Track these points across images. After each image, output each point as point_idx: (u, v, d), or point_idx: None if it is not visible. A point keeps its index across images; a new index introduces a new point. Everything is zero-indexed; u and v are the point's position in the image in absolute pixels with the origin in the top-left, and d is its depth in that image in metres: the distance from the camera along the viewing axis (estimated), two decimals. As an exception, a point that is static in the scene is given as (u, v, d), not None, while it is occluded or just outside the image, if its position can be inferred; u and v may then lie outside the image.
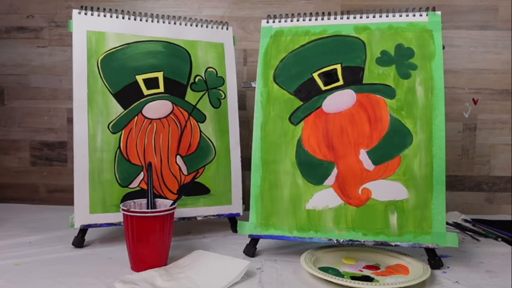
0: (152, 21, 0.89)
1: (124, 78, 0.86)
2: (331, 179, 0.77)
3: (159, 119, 0.88)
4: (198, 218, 0.89)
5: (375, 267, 0.73)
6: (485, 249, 0.85)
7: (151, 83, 0.87)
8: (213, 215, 0.91)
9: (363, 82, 0.79)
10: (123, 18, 0.87)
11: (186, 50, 0.92)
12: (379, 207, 0.75)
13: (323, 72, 0.81)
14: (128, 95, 0.85)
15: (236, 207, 0.94)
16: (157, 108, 0.87)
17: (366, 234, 0.74)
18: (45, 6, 1.19)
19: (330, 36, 0.82)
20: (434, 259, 0.73)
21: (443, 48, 0.77)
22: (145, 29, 0.88)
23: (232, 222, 0.95)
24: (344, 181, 0.77)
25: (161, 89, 0.88)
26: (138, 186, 0.85)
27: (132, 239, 0.70)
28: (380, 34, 0.80)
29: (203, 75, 0.93)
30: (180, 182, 0.89)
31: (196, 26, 0.93)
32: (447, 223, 0.98)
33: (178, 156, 0.89)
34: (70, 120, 1.20)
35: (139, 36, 0.88)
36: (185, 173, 0.90)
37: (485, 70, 1.16)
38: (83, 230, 0.83)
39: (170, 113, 0.89)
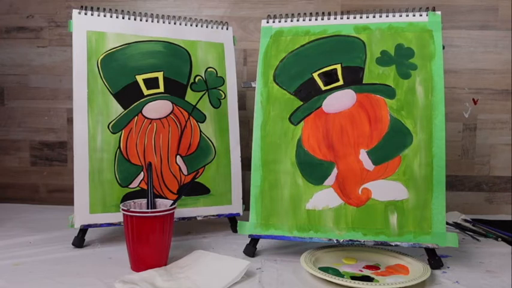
0: (152, 21, 0.89)
1: (124, 78, 0.86)
2: (331, 179, 0.77)
3: (159, 119, 0.88)
4: (198, 218, 0.89)
5: (375, 267, 0.73)
6: (485, 249, 0.85)
7: (151, 83, 0.87)
8: (213, 215, 0.91)
9: (363, 82, 0.79)
10: (123, 18, 0.87)
11: (186, 50, 0.92)
12: (379, 207, 0.75)
13: (323, 72, 0.81)
14: (128, 95, 0.85)
15: (236, 207, 0.94)
16: (157, 108, 0.87)
17: (366, 234, 0.74)
18: (45, 6, 1.19)
19: (330, 36, 0.82)
20: (434, 259, 0.73)
21: (443, 48, 0.77)
22: (145, 29, 0.88)
23: (232, 222, 0.95)
24: (344, 181, 0.77)
25: (161, 89, 0.88)
26: (138, 186, 0.85)
27: (132, 239, 0.70)
28: (380, 34, 0.80)
29: (203, 75, 0.93)
30: (180, 182, 0.89)
31: (196, 26, 0.93)
32: (447, 223, 0.98)
33: (178, 156, 0.89)
34: (70, 120, 1.20)
35: (139, 36, 0.88)
36: (185, 173, 0.90)
37: (485, 70, 1.16)
38: (83, 230, 0.83)
39: (170, 113, 0.89)
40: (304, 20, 0.84)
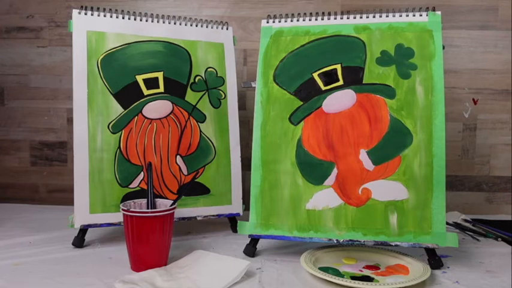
0: (152, 21, 0.89)
1: (124, 78, 0.86)
2: (331, 179, 0.77)
3: (159, 119, 0.88)
4: (198, 218, 0.89)
5: (375, 267, 0.73)
6: (485, 249, 0.85)
7: (151, 83, 0.87)
8: (213, 215, 0.91)
9: (363, 82, 0.79)
10: (123, 18, 0.87)
11: (186, 50, 0.92)
12: (379, 207, 0.75)
13: (323, 72, 0.81)
14: (128, 95, 0.85)
15: (236, 207, 0.94)
16: (158, 108, 0.87)
17: (366, 234, 0.74)
18: (45, 6, 1.19)
19: (330, 36, 0.82)
20: (434, 259, 0.73)
21: (443, 48, 0.77)
22: (145, 29, 0.88)
23: (232, 222, 0.95)
24: (344, 181, 0.77)
25: (161, 89, 0.88)
26: (138, 186, 0.85)
27: (132, 239, 0.70)
28: (380, 34, 0.80)
29: (203, 75, 0.93)
30: (180, 182, 0.89)
31: (196, 26, 0.93)
32: (447, 223, 0.98)
33: (178, 156, 0.89)
34: (70, 120, 1.20)
35: (139, 36, 0.88)
36: (185, 173, 0.90)
37: (485, 70, 1.16)
38: (83, 230, 0.83)
39: (170, 113, 0.89)
40: (304, 20, 0.84)
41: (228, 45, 0.96)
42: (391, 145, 0.76)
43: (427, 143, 0.74)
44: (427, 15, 0.78)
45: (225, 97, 0.95)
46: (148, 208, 0.77)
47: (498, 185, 1.18)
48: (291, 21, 0.84)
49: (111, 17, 0.86)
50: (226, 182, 0.93)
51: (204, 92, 0.93)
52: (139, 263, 0.70)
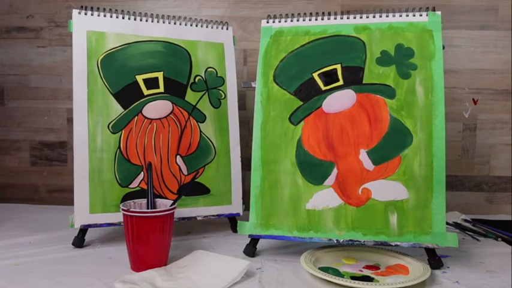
0: (152, 21, 0.89)
1: (124, 78, 0.86)
2: (331, 179, 0.77)
3: (159, 119, 0.88)
4: (198, 218, 0.89)
5: (375, 267, 0.73)
6: (485, 249, 0.85)
7: (151, 83, 0.87)
8: (213, 215, 0.91)
9: (363, 82, 0.79)
10: (123, 18, 0.87)
11: (186, 50, 0.92)
12: (379, 207, 0.75)
13: (323, 72, 0.81)
14: (128, 95, 0.85)
15: (236, 207, 0.94)
16: (158, 108, 0.87)
17: (366, 234, 0.74)
18: (45, 6, 1.19)
19: (330, 36, 0.82)
20: (434, 259, 0.73)
21: (443, 48, 0.77)
22: (145, 29, 0.88)
23: (232, 222, 0.95)
24: (344, 181, 0.77)
25: (161, 89, 0.88)
26: (138, 186, 0.85)
27: (132, 239, 0.70)
28: (380, 34, 0.80)
29: (203, 75, 0.93)
30: (180, 182, 0.89)
31: (196, 26, 0.93)
32: (447, 223, 0.98)
33: (178, 156, 0.89)
34: (70, 120, 1.20)
35: (139, 36, 0.88)
36: (185, 173, 0.90)
37: (485, 70, 1.16)
38: (83, 230, 0.83)
39: (170, 113, 0.89)
40: (304, 20, 0.84)
41: (228, 45, 0.96)
42: (391, 145, 0.76)
43: (427, 143, 0.74)
44: (427, 15, 0.78)
45: (225, 97, 0.95)
46: (148, 208, 0.77)
47: (498, 185, 1.18)
48: (291, 21, 0.84)
49: (111, 17, 0.86)
50: (226, 182, 0.93)
51: (204, 92, 0.93)
52: (139, 263, 0.70)
